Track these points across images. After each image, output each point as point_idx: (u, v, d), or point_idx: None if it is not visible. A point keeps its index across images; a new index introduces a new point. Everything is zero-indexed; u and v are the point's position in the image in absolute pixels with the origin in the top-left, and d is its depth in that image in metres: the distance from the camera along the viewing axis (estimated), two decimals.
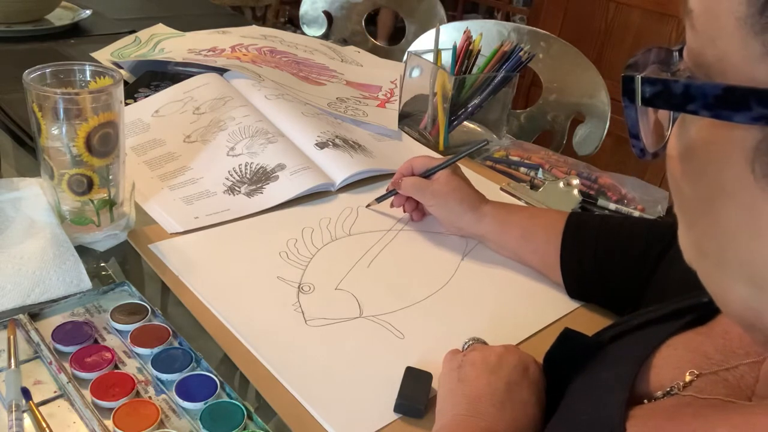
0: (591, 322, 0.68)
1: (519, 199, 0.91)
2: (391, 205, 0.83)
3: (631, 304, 0.64)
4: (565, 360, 0.51)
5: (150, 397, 0.53)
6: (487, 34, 1.25)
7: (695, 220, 0.32)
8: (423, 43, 1.40)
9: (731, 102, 0.26)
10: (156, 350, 0.57)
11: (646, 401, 0.42)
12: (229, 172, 0.85)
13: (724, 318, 0.44)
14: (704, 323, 0.46)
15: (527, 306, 0.70)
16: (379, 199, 0.83)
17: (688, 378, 0.42)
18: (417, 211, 0.82)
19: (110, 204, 0.70)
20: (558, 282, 0.72)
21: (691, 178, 0.31)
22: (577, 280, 0.70)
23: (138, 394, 0.53)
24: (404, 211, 0.82)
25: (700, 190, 0.31)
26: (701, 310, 0.46)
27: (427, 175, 0.78)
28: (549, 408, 0.51)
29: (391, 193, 0.82)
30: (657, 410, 0.41)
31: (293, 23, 3.30)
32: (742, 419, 0.34)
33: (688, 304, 0.47)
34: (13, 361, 0.54)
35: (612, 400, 0.41)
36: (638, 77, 0.29)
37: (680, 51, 0.32)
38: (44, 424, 0.49)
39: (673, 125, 0.33)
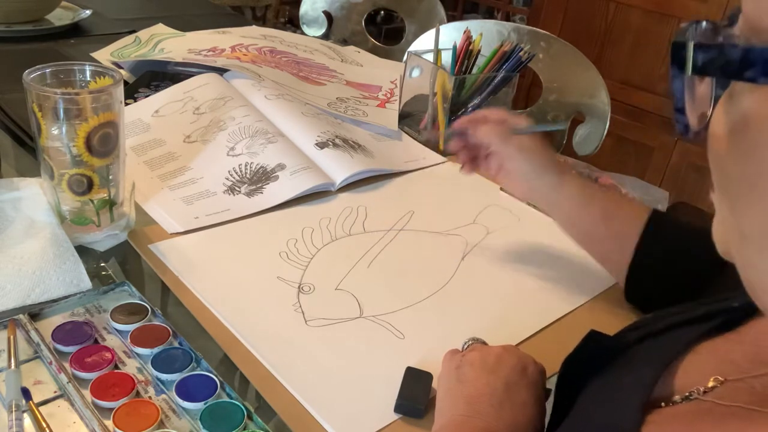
0: (592, 322, 0.68)
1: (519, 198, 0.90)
2: (447, 149, 0.74)
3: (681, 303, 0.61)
4: (587, 362, 0.50)
5: (150, 397, 0.53)
6: (487, 34, 1.25)
7: (739, 201, 0.30)
8: (423, 43, 1.40)
9: None
10: (156, 350, 0.57)
11: (663, 404, 0.41)
12: (229, 172, 0.85)
13: (758, 325, 0.42)
14: (731, 328, 0.44)
15: (527, 306, 0.70)
16: (448, 136, 0.73)
17: (711, 384, 0.40)
18: (472, 163, 0.75)
19: (110, 204, 0.70)
20: (615, 274, 0.69)
21: (740, 156, 0.29)
22: (643, 276, 0.66)
23: (138, 394, 0.53)
24: (459, 160, 0.76)
25: (751, 168, 0.29)
26: (731, 315, 0.44)
27: (515, 132, 0.71)
28: (567, 409, 0.50)
29: (453, 134, 0.75)
30: (675, 416, 0.39)
31: (293, 23, 3.30)
32: (762, 428, 0.33)
33: (718, 308, 0.45)
34: (13, 361, 0.54)
35: (629, 404, 0.40)
36: (691, 43, 0.27)
37: (727, 25, 0.30)
38: (44, 424, 0.49)
39: (714, 103, 0.31)
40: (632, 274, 0.67)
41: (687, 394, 0.40)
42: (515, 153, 0.71)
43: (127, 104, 0.96)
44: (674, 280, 0.64)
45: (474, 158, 0.76)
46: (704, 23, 0.30)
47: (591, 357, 0.49)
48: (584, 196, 0.69)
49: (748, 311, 0.32)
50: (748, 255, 0.31)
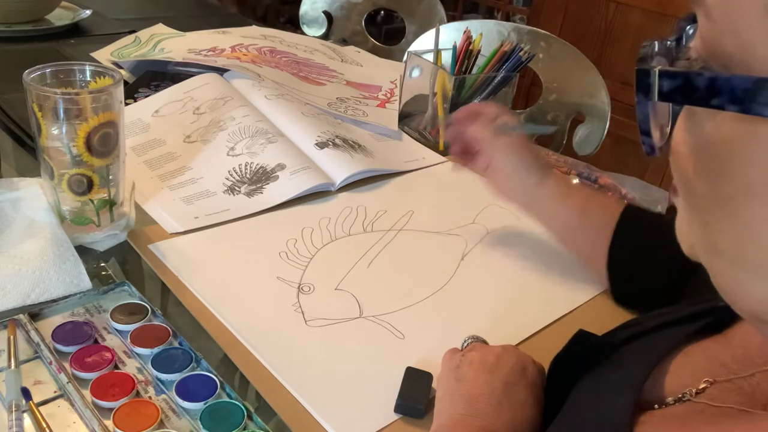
0: (592, 322, 0.68)
1: None
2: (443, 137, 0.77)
3: (669, 300, 0.61)
4: (576, 361, 0.50)
5: (150, 397, 0.53)
6: (487, 34, 1.25)
7: (710, 218, 0.30)
8: (423, 43, 1.40)
9: (764, 96, 0.24)
10: (156, 350, 0.57)
11: (656, 406, 0.41)
12: (229, 172, 0.85)
13: (744, 325, 0.43)
14: (720, 329, 0.45)
15: (527, 306, 0.70)
16: (447, 124, 0.77)
17: (702, 386, 0.40)
18: (463, 156, 0.78)
19: (110, 204, 0.70)
20: (596, 268, 0.70)
21: (708, 176, 0.29)
22: (622, 265, 0.68)
23: (138, 394, 0.53)
24: (451, 151, 0.79)
25: (719, 188, 0.28)
26: (717, 315, 0.45)
27: (503, 131, 0.74)
28: (557, 409, 0.51)
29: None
30: (668, 417, 0.40)
31: (293, 23, 3.29)
32: (751, 427, 0.34)
33: (704, 308, 0.46)
34: (13, 361, 0.54)
35: (619, 402, 0.40)
36: (655, 70, 0.27)
37: (677, 41, 0.30)
38: (44, 424, 0.49)
39: (673, 119, 0.31)
40: (611, 267, 0.69)
41: (680, 395, 0.41)
42: (501, 152, 0.73)
43: (127, 104, 0.96)
44: (654, 271, 0.66)
45: (466, 151, 0.78)
46: (658, 42, 0.30)
47: (580, 356, 0.50)
48: (563, 192, 0.73)
49: (735, 312, 0.32)
50: (720, 266, 0.31)
